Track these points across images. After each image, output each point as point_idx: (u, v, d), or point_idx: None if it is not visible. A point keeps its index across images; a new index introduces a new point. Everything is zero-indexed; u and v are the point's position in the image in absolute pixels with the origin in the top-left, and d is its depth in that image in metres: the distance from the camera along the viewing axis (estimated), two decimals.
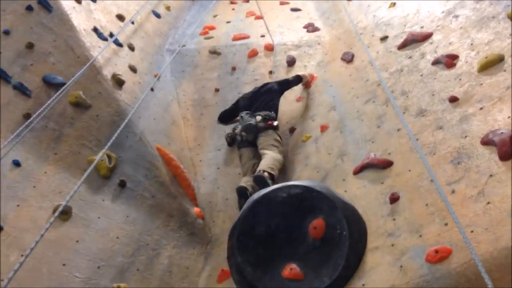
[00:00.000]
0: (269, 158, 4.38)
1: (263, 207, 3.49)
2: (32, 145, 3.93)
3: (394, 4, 5.79)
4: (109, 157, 4.15)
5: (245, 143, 4.76)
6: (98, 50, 4.68)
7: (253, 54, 6.14)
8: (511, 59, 3.62)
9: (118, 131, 3.50)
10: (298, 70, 5.76)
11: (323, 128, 4.61)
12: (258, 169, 4.26)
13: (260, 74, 5.87)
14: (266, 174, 4.15)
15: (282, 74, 5.80)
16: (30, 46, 4.40)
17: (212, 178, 4.81)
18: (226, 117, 5.23)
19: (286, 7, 7.63)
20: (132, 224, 3.97)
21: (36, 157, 3.89)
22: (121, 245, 3.82)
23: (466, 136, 3.29)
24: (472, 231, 2.71)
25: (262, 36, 6.46)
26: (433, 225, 2.95)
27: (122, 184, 4.12)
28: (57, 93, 3.82)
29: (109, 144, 3.36)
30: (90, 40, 4.73)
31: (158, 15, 6.87)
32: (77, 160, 4.04)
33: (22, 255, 3.26)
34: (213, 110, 5.54)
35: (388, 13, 5.67)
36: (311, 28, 6.53)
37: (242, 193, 4.17)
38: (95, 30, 4.98)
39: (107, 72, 4.64)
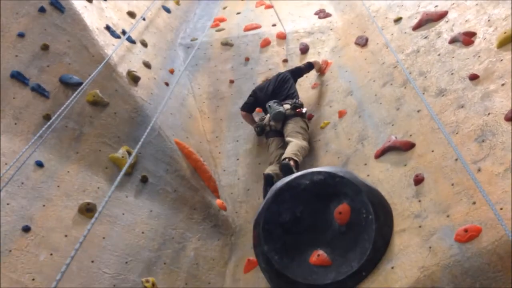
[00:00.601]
0: (294, 145, 4.37)
1: (287, 195, 3.49)
2: (54, 146, 3.97)
3: None
4: (129, 153, 4.16)
5: (273, 132, 4.78)
6: (112, 48, 4.69)
7: (266, 43, 6.11)
8: None
9: (147, 131, 3.52)
10: (311, 57, 5.72)
11: (341, 114, 4.58)
12: (283, 156, 4.26)
13: (274, 63, 5.84)
14: (291, 162, 4.13)
15: (296, 62, 5.76)
16: (45, 47, 4.42)
17: (232, 169, 4.82)
18: (248, 109, 5.23)
19: None
20: (156, 219, 4.00)
21: (58, 157, 3.92)
22: (147, 240, 3.86)
23: (489, 114, 3.24)
24: (501, 209, 2.68)
25: (274, 25, 6.42)
26: (460, 205, 2.93)
27: (144, 180, 4.14)
28: (76, 93, 3.84)
29: (138, 146, 3.38)
30: (103, 39, 4.75)
31: (168, 10, 6.86)
32: (98, 158, 4.07)
33: (51, 254, 3.34)
34: (229, 101, 5.55)
35: None
36: (322, 14, 6.47)
37: (269, 181, 4.17)
38: (108, 28, 4.99)
39: (122, 69, 4.66)
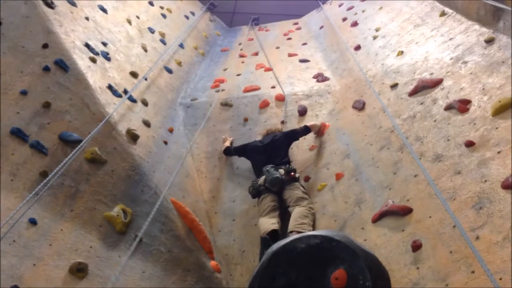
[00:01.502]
0: (296, 217, 4.36)
1: (283, 259, 3.40)
2: (49, 203, 3.93)
3: (401, 52, 5.89)
4: (124, 212, 4.13)
5: (268, 190, 4.80)
6: (113, 107, 4.76)
7: (265, 105, 6.22)
8: None
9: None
10: (309, 119, 5.81)
11: (339, 176, 4.59)
12: (288, 231, 4.24)
13: (272, 124, 5.91)
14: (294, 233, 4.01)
15: (294, 123, 5.84)
16: (47, 105, 4.48)
17: (227, 230, 4.76)
18: (230, 152, 5.58)
19: (294, 59, 7.80)
20: (148, 280, 3.90)
21: (53, 214, 3.88)
22: None
23: (485, 181, 3.25)
24: (500, 279, 2.62)
25: (273, 87, 6.56)
26: (459, 273, 2.87)
27: (138, 240, 4.07)
28: (74, 151, 3.86)
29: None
30: (105, 97, 4.83)
31: (170, 71, 7.03)
32: (92, 216, 4.02)
33: None
34: (227, 161, 5.56)
35: (397, 61, 5.77)
36: (320, 78, 6.63)
37: (266, 243, 4.07)
38: (110, 87, 5.09)
39: (122, 128, 4.70)
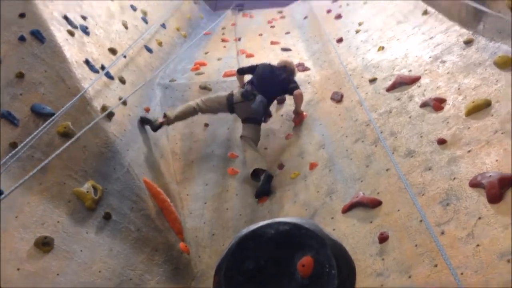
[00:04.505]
0: (263, 160, 5.07)
1: (252, 243, 3.40)
2: (17, 175, 3.83)
3: (382, 48, 5.94)
4: (95, 188, 4.08)
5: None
6: (89, 82, 4.67)
7: None
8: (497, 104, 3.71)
9: None
10: (288, 108, 5.82)
11: (312, 166, 4.62)
12: (260, 167, 4.91)
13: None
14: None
15: (272, 110, 5.83)
16: (20, 75, 4.36)
17: (198, 212, 4.75)
18: (242, 73, 5.97)
19: (276, 47, 7.79)
20: (115, 258, 3.87)
21: (20, 187, 3.79)
22: (103, 279, 3.70)
23: (454, 178, 3.31)
24: (462, 273, 2.68)
25: None
26: (422, 266, 2.93)
27: (107, 217, 4.03)
28: (46, 123, 3.79)
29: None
30: (81, 72, 4.73)
31: (150, 50, 6.94)
32: (62, 191, 3.95)
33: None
34: (202, 144, 5.55)
35: (377, 56, 5.82)
36: (301, 67, 6.64)
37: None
38: (87, 62, 4.99)
39: (97, 104, 4.63)
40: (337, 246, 3.35)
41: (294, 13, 9.93)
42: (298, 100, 5.50)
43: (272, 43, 7.97)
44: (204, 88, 6.29)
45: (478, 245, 2.77)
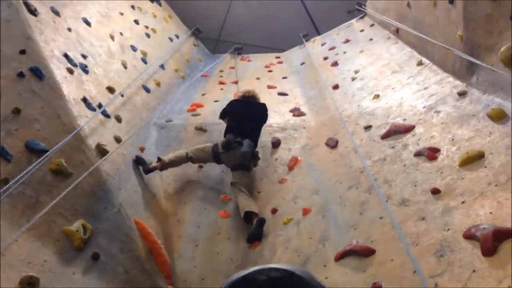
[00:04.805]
0: (254, 204, 4.96)
1: None
2: (6, 212, 3.78)
3: (378, 96, 6.02)
4: (84, 227, 4.01)
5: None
6: (85, 120, 4.68)
7: None
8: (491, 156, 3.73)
9: None
10: (282, 152, 5.83)
11: (306, 211, 4.58)
12: (252, 210, 4.81)
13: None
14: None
15: (266, 155, 5.84)
16: (16, 111, 4.36)
17: (189, 255, 4.66)
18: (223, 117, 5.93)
19: (273, 91, 7.87)
20: None
21: (9, 224, 3.72)
22: None
23: (448, 229, 3.29)
24: None
25: None
26: None
27: (95, 257, 3.95)
28: (39, 160, 3.76)
29: None
30: (78, 110, 4.74)
31: (148, 90, 7.00)
32: (51, 229, 3.88)
33: None
34: (195, 186, 5.50)
35: (372, 104, 5.89)
36: (297, 112, 6.69)
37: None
38: (84, 100, 5.01)
39: (92, 142, 4.62)
40: None
41: (292, 59, 10.09)
42: None
43: (269, 87, 8.06)
44: (200, 129, 6.31)
45: None
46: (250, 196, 5.08)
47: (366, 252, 3.60)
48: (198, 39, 11.26)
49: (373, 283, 3.30)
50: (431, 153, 4.19)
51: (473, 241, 3.06)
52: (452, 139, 4.22)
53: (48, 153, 3.94)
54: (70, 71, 5.13)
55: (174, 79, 8.25)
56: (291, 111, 6.80)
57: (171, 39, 9.52)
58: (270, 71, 9.38)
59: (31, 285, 3.45)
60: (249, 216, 4.79)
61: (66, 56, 5.27)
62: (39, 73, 4.67)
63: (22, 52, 4.76)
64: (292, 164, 5.50)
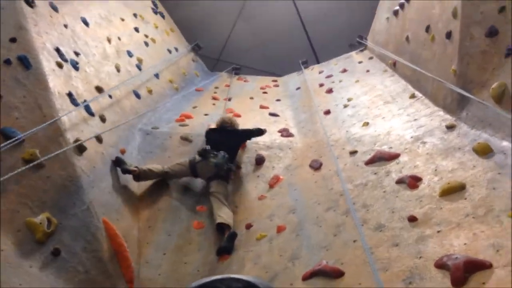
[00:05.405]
0: (231, 216, 4.91)
1: None
2: None
3: (367, 123, 5.97)
4: (49, 221, 3.87)
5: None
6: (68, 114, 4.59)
7: None
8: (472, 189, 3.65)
9: None
10: (265, 170, 5.73)
11: (280, 229, 4.46)
12: (226, 222, 4.75)
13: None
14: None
15: (249, 170, 5.75)
16: None
17: (156, 263, 4.50)
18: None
19: (265, 111, 7.83)
20: None
21: None
22: None
23: (420, 257, 3.18)
24: None
25: None
26: None
27: (56, 253, 3.79)
28: (3, 144, 3.67)
29: None
30: (61, 103, 4.65)
31: (138, 96, 6.93)
32: (13, 218, 3.73)
33: None
34: (172, 195, 5.38)
35: (361, 130, 5.83)
36: (285, 133, 6.63)
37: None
38: (70, 95, 4.93)
39: (71, 136, 4.51)
40: None
41: (288, 83, 10.09)
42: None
43: (261, 107, 8.02)
44: (185, 139, 6.22)
45: None
46: (229, 208, 5.00)
47: (335, 274, 3.46)
48: (198, 55, 11.26)
49: None
50: (413, 181, 4.11)
51: (443, 271, 2.95)
52: (435, 170, 4.15)
53: (17, 138, 3.84)
54: (60, 65, 5.07)
55: (167, 89, 8.20)
56: (279, 131, 6.73)
57: (169, 51, 9.52)
58: (265, 92, 9.36)
59: None
60: (222, 228, 4.67)
61: (57, 50, 5.22)
62: (26, 62, 4.60)
63: (13, 40, 4.70)
64: (274, 182, 5.40)
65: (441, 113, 5.22)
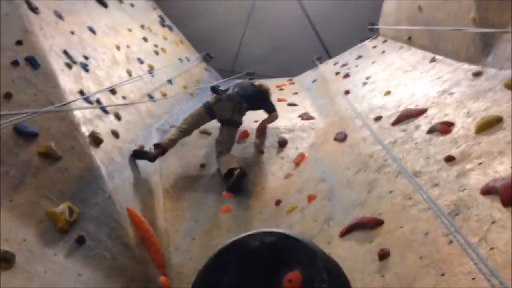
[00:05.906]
0: (236, 160, 5.25)
1: (233, 256, 2.99)
2: None
3: (389, 92, 5.74)
4: (70, 210, 3.73)
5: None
6: (80, 110, 4.50)
7: (244, 135, 5.97)
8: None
9: None
10: (289, 151, 5.53)
11: (311, 198, 4.23)
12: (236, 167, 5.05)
13: (249, 153, 5.64)
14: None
15: (273, 153, 5.56)
16: (8, 96, 4.22)
17: (185, 249, 4.31)
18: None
19: (283, 103, 7.65)
20: (84, 284, 3.41)
21: None
22: None
23: (464, 189, 2.93)
24: (473, 278, 2.24)
25: (255, 121, 6.33)
26: (427, 278, 2.47)
27: (81, 241, 3.64)
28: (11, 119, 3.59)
29: None
30: (73, 99, 4.56)
31: (153, 99, 6.83)
32: (34, 209, 3.60)
33: None
34: (197, 184, 5.22)
35: (383, 99, 5.60)
36: (305, 116, 6.44)
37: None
38: (81, 92, 4.85)
39: (86, 130, 4.41)
40: (330, 261, 2.89)
41: (304, 80, 9.93)
42: (271, 120, 6.13)
43: (279, 100, 7.84)
44: (204, 132, 6.08)
45: (492, 248, 2.35)
46: (233, 156, 5.38)
47: (373, 224, 3.22)
48: (210, 65, 11.20)
49: (380, 249, 2.92)
50: (445, 127, 3.86)
51: (491, 195, 2.70)
52: (467, 112, 3.89)
53: (22, 115, 3.75)
54: (69, 66, 5.00)
55: (181, 94, 8.10)
56: (299, 116, 6.54)
57: (181, 60, 9.47)
58: (281, 89, 9.22)
59: (5, 261, 3.15)
60: (231, 173, 4.92)
61: (65, 52, 5.16)
62: (34, 62, 4.54)
63: (19, 42, 4.66)
64: (299, 160, 5.19)
65: (465, 66, 4.97)
